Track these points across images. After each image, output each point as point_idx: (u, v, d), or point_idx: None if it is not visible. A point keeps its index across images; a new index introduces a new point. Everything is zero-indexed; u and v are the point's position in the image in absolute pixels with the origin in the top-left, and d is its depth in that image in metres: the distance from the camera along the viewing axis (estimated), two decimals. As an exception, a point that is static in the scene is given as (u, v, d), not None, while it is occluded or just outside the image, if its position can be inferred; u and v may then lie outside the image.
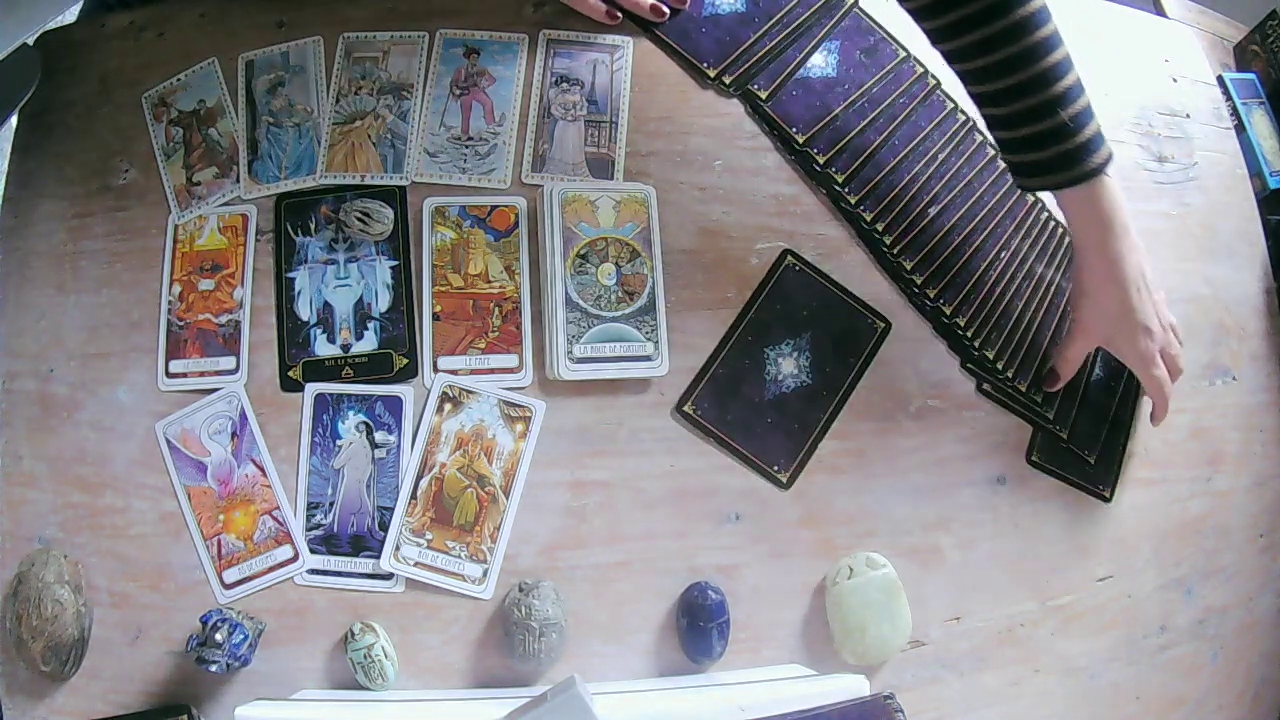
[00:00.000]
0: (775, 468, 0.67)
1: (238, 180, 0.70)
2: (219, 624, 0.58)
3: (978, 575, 0.69)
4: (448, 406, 0.66)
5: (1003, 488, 0.70)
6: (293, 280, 0.68)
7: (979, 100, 0.66)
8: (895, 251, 0.71)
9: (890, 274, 0.71)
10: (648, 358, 0.66)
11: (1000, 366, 0.70)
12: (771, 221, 0.71)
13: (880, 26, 0.77)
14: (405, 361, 0.66)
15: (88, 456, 0.66)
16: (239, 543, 0.64)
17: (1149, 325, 0.67)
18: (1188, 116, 0.83)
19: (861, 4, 0.77)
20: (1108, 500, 0.72)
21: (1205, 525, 0.74)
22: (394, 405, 0.66)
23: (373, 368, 0.66)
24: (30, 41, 0.74)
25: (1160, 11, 0.91)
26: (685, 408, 0.67)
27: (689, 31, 0.74)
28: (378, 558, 0.63)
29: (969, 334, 0.71)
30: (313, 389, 0.66)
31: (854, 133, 0.73)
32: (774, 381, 0.68)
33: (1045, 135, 0.62)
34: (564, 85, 0.72)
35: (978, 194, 0.74)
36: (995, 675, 0.68)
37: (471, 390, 0.66)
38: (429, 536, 0.64)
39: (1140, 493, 0.73)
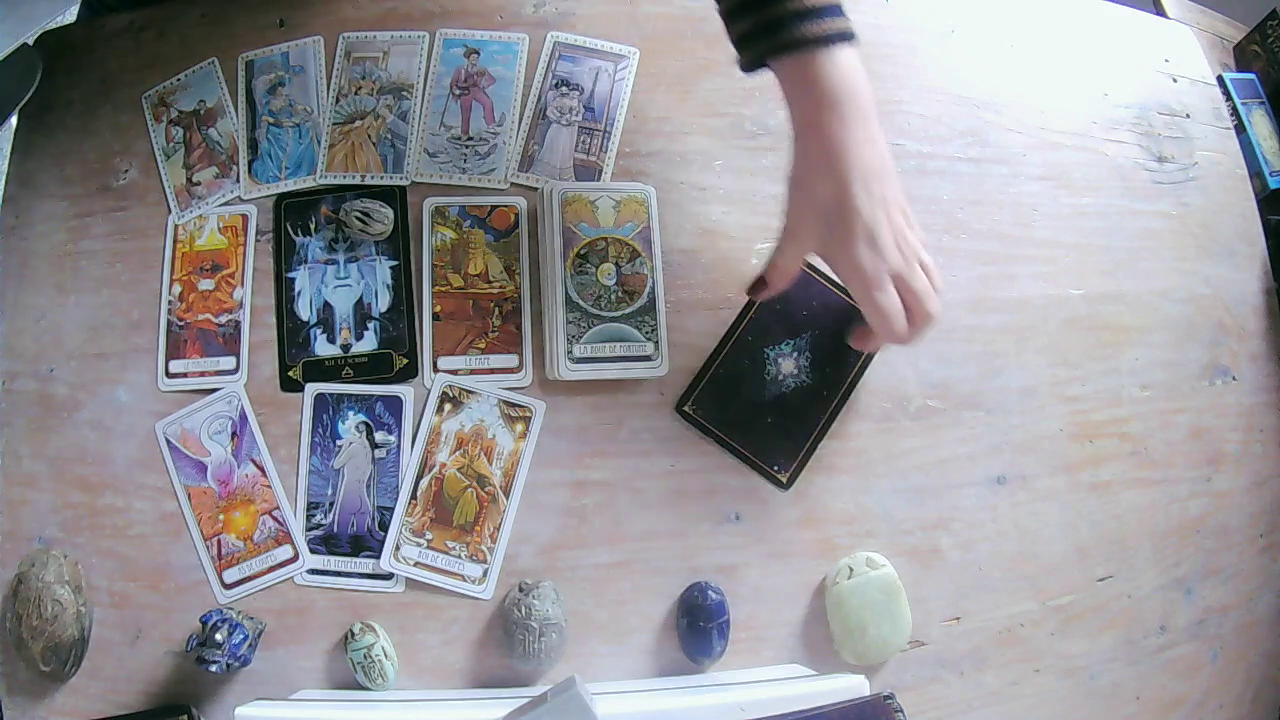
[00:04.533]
0: (775, 468, 0.67)
1: (238, 180, 0.70)
2: (219, 624, 0.58)
3: (978, 575, 0.69)
4: (448, 406, 0.66)
5: (1002, 488, 0.70)
6: (293, 280, 0.68)
7: None
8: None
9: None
10: (648, 358, 0.66)
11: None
12: (771, 221, 0.71)
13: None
14: (405, 361, 0.66)
15: (88, 456, 0.66)
16: (239, 543, 0.64)
17: (875, 233, 0.54)
18: (1188, 116, 0.83)
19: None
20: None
21: (1205, 525, 0.74)
22: (394, 405, 0.66)
23: (373, 368, 0.66)
24: (30, 41, 0.74)
25: (1160, 11, 0.91)
26: (685, 408, 0.67)
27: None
28: (378, 558, 0.63)
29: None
30: (313, 389, 0.66)
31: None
32: (774, 381, 0.68)
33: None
34: (563, 89, 0.72)
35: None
36: (995, 675, 0.68)
37: (471, 390, 0.66)
38: (429, 536, 0.64)
39: (1140, 493, 0.73)
